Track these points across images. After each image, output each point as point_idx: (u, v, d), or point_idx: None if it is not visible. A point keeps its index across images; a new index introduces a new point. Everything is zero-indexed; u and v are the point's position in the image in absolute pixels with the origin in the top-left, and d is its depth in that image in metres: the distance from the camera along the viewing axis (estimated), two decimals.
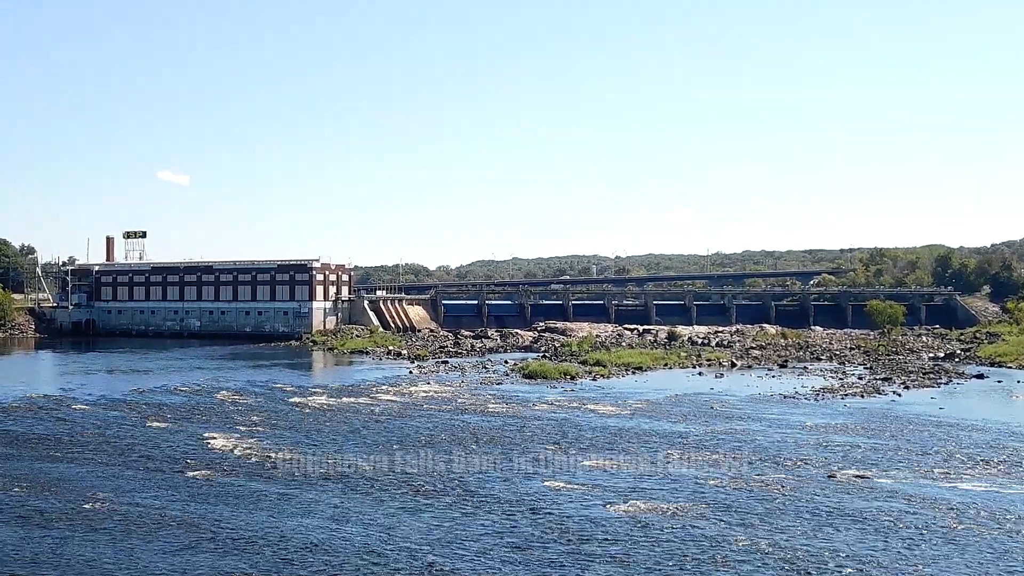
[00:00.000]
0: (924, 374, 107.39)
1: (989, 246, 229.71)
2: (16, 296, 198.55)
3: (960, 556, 36.89)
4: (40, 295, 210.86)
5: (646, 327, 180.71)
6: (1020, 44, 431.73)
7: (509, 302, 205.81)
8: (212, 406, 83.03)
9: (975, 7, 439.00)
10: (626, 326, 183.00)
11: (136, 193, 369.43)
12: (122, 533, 40.78)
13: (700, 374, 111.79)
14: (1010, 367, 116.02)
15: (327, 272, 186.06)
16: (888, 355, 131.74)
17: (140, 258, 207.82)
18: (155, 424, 72.09)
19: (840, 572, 34.84)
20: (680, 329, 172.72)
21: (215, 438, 64.74)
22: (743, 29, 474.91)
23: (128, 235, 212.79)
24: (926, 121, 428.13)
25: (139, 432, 68.55)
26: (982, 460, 55.88)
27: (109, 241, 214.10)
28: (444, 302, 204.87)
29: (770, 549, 37.70)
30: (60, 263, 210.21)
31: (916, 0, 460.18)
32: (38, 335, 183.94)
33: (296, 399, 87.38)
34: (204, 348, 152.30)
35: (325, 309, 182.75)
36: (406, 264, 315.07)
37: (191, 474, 53.20)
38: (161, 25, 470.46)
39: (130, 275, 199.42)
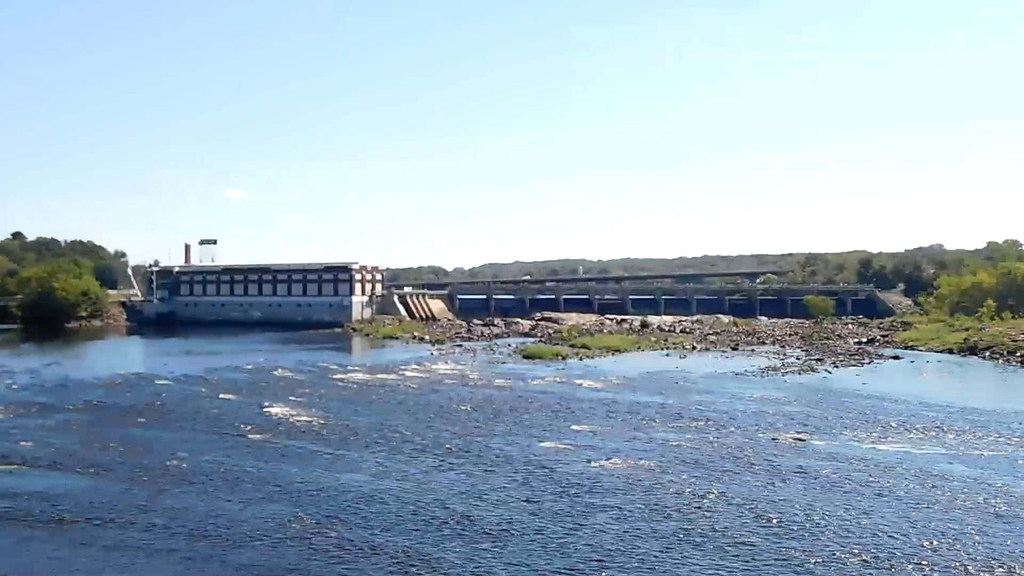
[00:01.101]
0: (850, 355, 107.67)
1: (904, 251, 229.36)
2: (111, 291, 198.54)
3: (887, 505, 37.02)
4: (130, 291, 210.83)
5: (623, 317, 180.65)
6: (929, 65, 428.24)
7: (512, 296, 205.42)
8: (270, 381, 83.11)
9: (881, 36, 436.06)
10: (607, 316, 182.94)
11: (208, 208, 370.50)
12: (204, 486, 40.92)
13: (667, 355, 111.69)
14: (920, 350, 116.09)
15: (364, 272, 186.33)
16: (821, 340, 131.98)
17: (212, 261, 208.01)
18: (224, 396, 72.22)
19: (793, 517, 34.95)
20: (651, 319, 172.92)
21: (273, 407, 64.82)
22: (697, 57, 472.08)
23: (202, 242, 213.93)
24: (850, 146, 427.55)
25: (212, 402, 68.69)
26: (899, 426, 55.93)
27: (187, 247, 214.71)
28: (459, 296, 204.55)
29: (735, 499, 37.85)
30: (147, 265, 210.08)
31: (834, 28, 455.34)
32: (128, 323, 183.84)
33: (339, 375, 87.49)
34: (264, 334, 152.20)
35: (362, 302, 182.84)
36: (428, 266, 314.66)
37: (254, 437, 53.36)
38: (221, 63, 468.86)
39: (204, 275, 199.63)
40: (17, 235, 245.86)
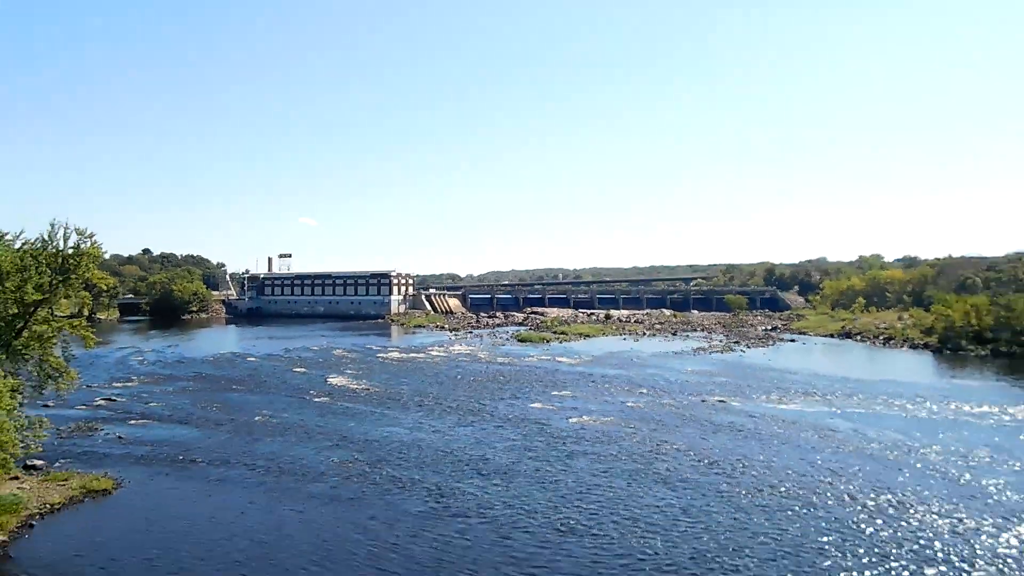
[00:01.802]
0: (759, 339, 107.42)
1: (798, 262, 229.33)
2: (214, 292, 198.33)
3: (789, 450, 37.00)
4: (228, 292, 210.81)
5: (592, 311, 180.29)
6: (826, 88, 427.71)
7: (509, 295, 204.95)
8: (330, 358, 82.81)
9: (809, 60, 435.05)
10: (580, 310, 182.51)
11: (286, 230, 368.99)
12: (285, 436, 40.84)
13: (624, 339, 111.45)
14: (810, 335, 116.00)
15: (399, 278, 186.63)
16: (737, 328, 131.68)
17: (287, 269, 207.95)
18: (296, 369, 71.94)
19: (720, 459, 34.87)
20: (612, 312, 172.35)
21: (334, 377, 64.60)
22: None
23: (281, 255, 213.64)
24: (759, 181, 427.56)
25: (287, 374, 68.45)
26: (796, 391, 55.84)
27: (270, 260, 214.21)
28: (470, 296, 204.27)
29: (677, 445, 37.83)
30: (241, 272, 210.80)
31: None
32: (227, 316, 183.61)
33: (381, 355, 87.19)
34: (325, 324, 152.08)
35: (398, 300, 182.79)
36: (447, 273, 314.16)
37: (320, 399, 53.15)
38: (294, 119, 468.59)
39: (282, 280, 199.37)
40: (146, 251, 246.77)
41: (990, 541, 24.06)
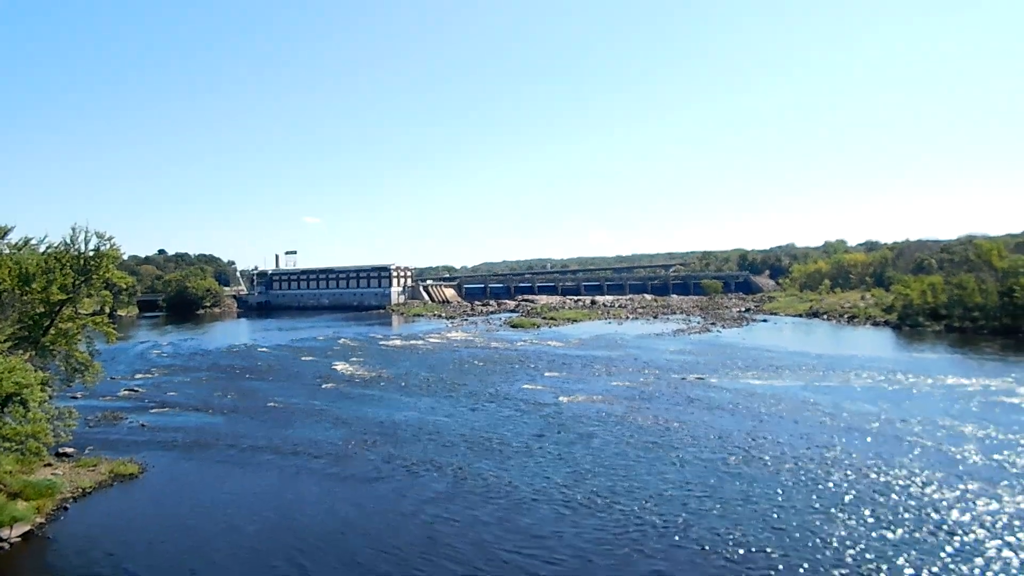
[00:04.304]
0: (734, 320, 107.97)
1: (769, 248, 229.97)
2: (226, 288, 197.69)
3: (763, 421, 37.39)
4: (239, 287, 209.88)
5: (579, 297, 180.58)
6: (798, 82, 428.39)
7: (502, 285, 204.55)
8: (336, 346, 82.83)
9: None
10: (567, 297, 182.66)
11: (292, 229, 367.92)
12: (294, 420, 40.99)
13: (609, 323, 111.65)
14: (781, 315, 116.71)
15: (399, 271, 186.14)
16: (713, 310, 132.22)
17: (294, 265, 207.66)
18: (304, 357, 72.01)
19: (701, 431, 35.26)
20: (598, 298, 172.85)
21: (340, 364, 64.69)
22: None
23: (287, 252, 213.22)
24: (733, 175, 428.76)
25: (296, 362, 68.53)
26: (769, 367, 56.30)
27: (277, 256, 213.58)
28: (465, 286, 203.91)
29: (660, 419, 38.14)
30: (250, 269, 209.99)
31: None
32: (238, 310, 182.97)
33: (383, 342, 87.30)
34: (331, 315, 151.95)
35: (398, 291, 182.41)
36: (443, 265, 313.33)
37: (326, 386, 53.24)
38: (291, 127, 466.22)
39: (289, 275, 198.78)
40: (161, 251, 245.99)
41: (959, 498, 24.50)
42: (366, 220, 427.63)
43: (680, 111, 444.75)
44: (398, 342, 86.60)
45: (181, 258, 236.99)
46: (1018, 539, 20.66)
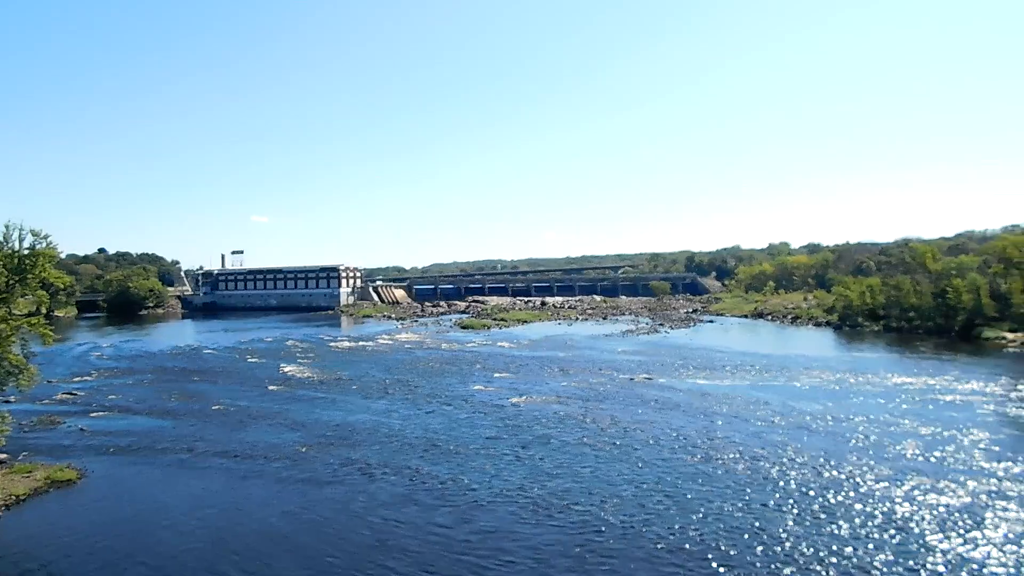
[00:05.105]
0: (681, 321, 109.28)
1: (715, 250, 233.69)
2: (169, 288, 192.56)
3: (711, 419, 37.78)
4: (183, 287, 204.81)
5: (529, 298, 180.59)
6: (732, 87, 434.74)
7: (452, 286, 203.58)
8: (284, 348, 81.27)
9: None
10: (518, 298, 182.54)
11: (240, 228, 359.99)
12: (240, 423, 39.97)
13: (559, 324, 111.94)
14: (727, 316, 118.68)
15: (348, 271, 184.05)
16: (662, 311, 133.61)
17: (240, 265, 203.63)
18: (251, 359, 70.42)
19: (649, 430, 35.42)
20: (548, 299, 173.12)
21: (287, 366, 63.40)
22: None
23: (234, 252, 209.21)
24: (676, 180, 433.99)
25: (243, 364, 66.98)
26: (716, 367, 57.07)
27: (223, 256, 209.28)
28: (415, 287, 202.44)
29: (617, 421, 38.17)
30: (195, 269, 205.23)
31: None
32: (183, 311, 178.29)
33: (332, 343, 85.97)
34: (279, 316, 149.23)
35: (347, 292, 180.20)
36: (393, 266, 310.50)
37: (275, 388, 52.12)
38: (245, 126, 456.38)
39: (235, 275, 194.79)
40: (102, 250, 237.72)
41: (902, 492, 25.05)
42: (316, 219, 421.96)
43: (627, 113, 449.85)
44: (348, 344, 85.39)
45: (123, 257, 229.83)
46: (957, 530, 21.22)
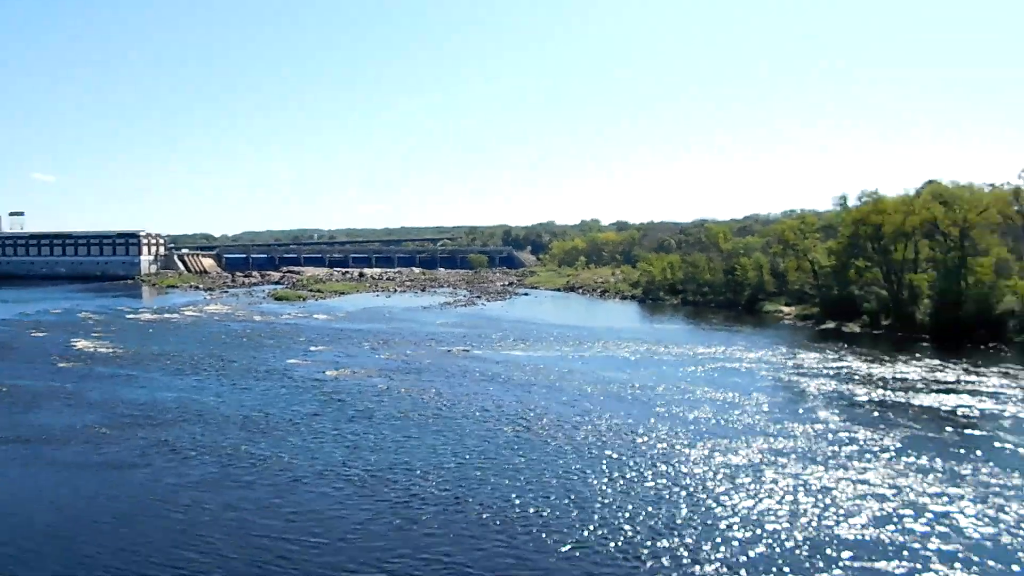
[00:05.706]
0: (498, 293, 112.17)
1: (531, 225, 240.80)
2: None
3: (528, 390, 39.12)
4: None
5: (346, 270, 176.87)
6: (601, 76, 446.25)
7: (266, 255, 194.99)
8: (76, 321, 74.11)
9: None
10: (335, 269, 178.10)
11: (19, 187, 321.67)
12: (20, 403, 36.14)
13: (378, 296, 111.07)
14: (541, 289, 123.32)
15: (149, 238, 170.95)
16: (479, 284, 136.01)
17: (22, 228, 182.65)
18: (36, 334, 63.65)
19: (464, 401, 36.06)
20: (366, 270, 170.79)
21: (80, 341, 57.97)
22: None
23: (12, 214, 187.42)
24: (501, 155, 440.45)
25: (25, 339, 60.48)
26: (531, 338, 59.15)
27: None
28: (225, 256, 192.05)
29: (437, 393, 38.37)
30: None
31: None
32: None
33: (132, 316, 79.78)
34: (70, 286, 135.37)
35: (149, 260, 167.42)
36: (200, 233, 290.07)
37: (63, 364, 47.72)
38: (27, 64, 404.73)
39: (15, 239, 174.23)
40: None
41: (700, 454, 27.31)
42: (112, 180, 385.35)
43: (445, 88, 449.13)
44: (150, 316, 79.36)
45: None
46: (745, 485, 23.64)
